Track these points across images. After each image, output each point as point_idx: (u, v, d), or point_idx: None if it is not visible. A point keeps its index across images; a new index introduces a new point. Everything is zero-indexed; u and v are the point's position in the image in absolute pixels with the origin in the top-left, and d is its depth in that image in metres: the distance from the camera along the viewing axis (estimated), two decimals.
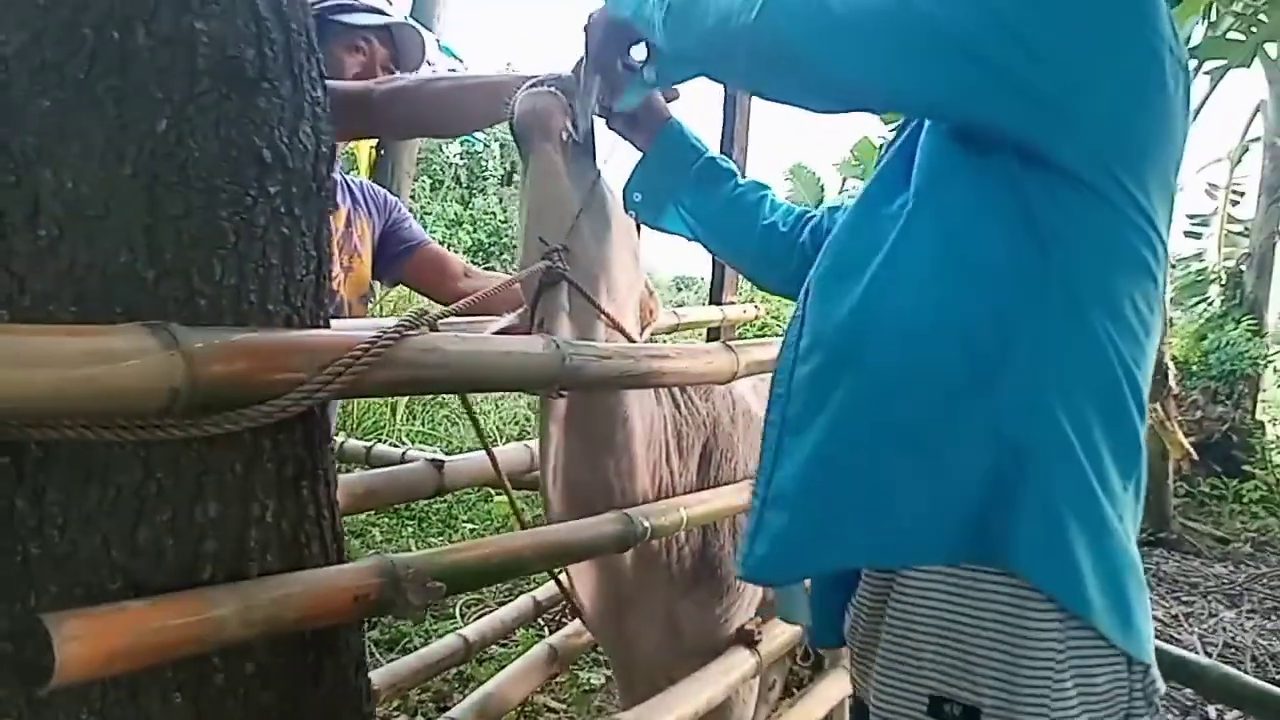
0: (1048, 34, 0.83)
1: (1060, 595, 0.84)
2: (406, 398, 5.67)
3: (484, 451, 1.44)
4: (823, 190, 17.43)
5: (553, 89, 1.32)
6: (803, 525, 0.97)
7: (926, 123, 0.99)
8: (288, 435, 0.93)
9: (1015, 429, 0.86)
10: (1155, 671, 0.89)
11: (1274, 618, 4.37)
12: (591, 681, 3.02)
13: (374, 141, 4.40)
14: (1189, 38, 6.03)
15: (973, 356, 0.88)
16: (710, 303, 2.96)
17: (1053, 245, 0.87)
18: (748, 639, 1.62)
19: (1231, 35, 6.55)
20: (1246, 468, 6.61)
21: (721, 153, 2.87)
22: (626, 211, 1.42)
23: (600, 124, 1.42)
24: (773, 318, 5.46)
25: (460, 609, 3.51)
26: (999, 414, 0.86)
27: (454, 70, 8.07)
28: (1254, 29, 6.59)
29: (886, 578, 0.95)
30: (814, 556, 0.98)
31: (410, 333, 0.92)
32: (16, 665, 0.81)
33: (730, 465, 1.62)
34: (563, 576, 1.53)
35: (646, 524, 1.30)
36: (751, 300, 3.48)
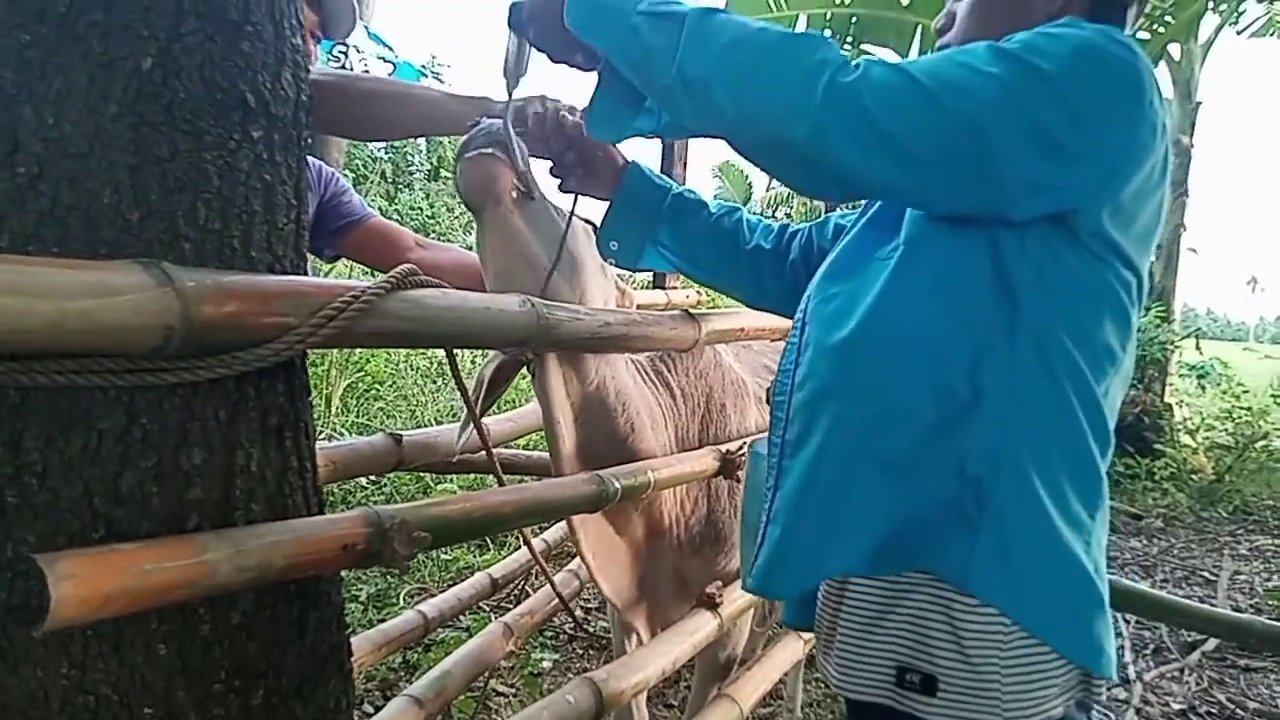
0: (1080, 137, 0.88)
1: (1011, 614, 0.90)
2: (340, 389, 5.57)
3: (436, 430, 1.46)
4: (750, 188, 17.58)
5: (490, 150, 1.27)
6: (791, 539, 1.02)
7: None
8: (270, 385, 0.92)
9: (978, 469, 0.92)
10: (1110, 680, 0.95)
11: (1184, 586, 4.61)
12: (542, 664, 3.01)
13: None
14: None
15: (943, 400, 0.93)
16: (653, 287, 3.01)
17: (1024, 298, 0.92)
18: (709, 602, 1.66)
19: (1140, 34, 6.86)
20: (1158, 447, 6.92)
21: (663, 155, 2.89)
22: (605, 259, 1.41)
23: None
24: (712, 307, 5.52)
25: (404, 597, 3.47)
26: (964, 454, 0.92)
27: (383, 58, 7.93)
28: (1160, 29, 6.91)
29: None
30: (799, 568, 1.02)
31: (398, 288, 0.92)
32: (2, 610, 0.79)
33: (725, 430, 1.73)
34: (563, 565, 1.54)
35: (618, 485, 1.32)
36: (691, 286, 3.54)
